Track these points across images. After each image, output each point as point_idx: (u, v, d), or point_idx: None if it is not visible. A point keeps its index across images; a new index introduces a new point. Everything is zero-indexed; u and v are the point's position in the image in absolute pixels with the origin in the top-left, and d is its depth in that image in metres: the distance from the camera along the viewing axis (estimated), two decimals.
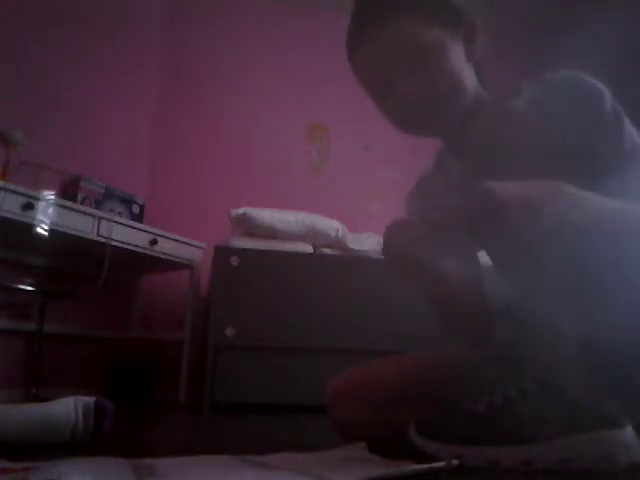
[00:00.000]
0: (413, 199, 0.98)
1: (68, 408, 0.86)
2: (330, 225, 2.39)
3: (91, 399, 0.89)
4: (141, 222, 2.37)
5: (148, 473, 0.57)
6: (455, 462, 0.61)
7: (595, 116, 0.74)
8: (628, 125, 0.75)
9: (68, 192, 2.19)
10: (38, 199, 1.86)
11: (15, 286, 1.96)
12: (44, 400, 0.90)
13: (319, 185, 3.14)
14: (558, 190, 0.66)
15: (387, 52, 0.79)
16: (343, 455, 0.71)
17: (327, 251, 2.38)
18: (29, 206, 1.82)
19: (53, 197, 1.96)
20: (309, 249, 2.35)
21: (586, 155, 0.73)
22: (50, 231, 1.89)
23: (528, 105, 0.78)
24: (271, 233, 2.30)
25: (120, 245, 2.12)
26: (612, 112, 0.74)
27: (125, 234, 2.16)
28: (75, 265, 2.34)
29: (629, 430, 0.65)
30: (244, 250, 2.19)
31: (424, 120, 0.83)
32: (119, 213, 2.29)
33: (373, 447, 0.72)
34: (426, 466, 0.60)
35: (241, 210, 2.30)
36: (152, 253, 2.27)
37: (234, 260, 2.13)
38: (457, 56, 0.81)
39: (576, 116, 0.73)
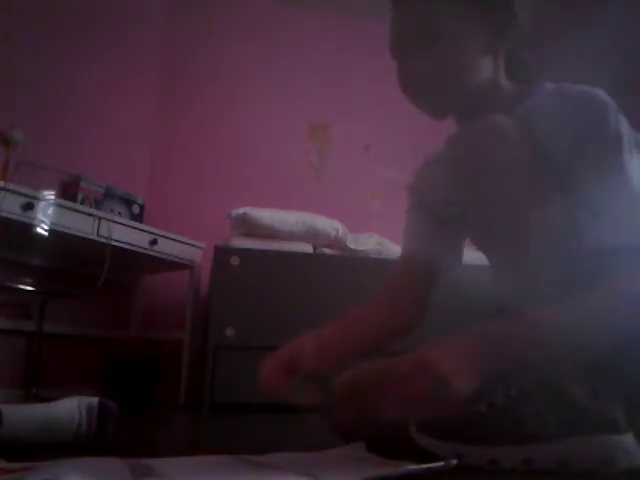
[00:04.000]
0: (419, 182, 0.99)
1: (72, 408, 0.86)
2: (330, 225, 2.39)
3: (95, 399, 0.88)
4: (141, 222, 2.37)
5: (146, 473, 0.57)
6: (454, 462, 0.61)
7: (594, 138, 0.71)
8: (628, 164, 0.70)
9: (68, 192, 2.20)
10: (38, 199, 1.86)
11: (15, 286, 1.96)
12: (46, 400, 0.90)
13: (319, 185, 3.14)
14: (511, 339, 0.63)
15: (408, 16, 0.81)
16: (342, 455, 0.71)
17: (327, 251, 2.37)
18: (29, 206, 1.82)
19: (53, 197, 1.96)
20: (309, 249, 2.35)
21: (565, 179, 0.72)
22: (50, 231, 1.89)
23: (527, 114, 0.78)
24: (271, 233, 2.30)
25: (120, 245, 2.12)
26: (614, 138, 0.70)
27: (125, 234, 2.16)
28: (75, 265, 2.34)
29: (630, 435, 0.65)
30: (244, 250, 2.18)
31: (423, 99, 0.84)
32: (119, 213, 2.29)
33: (372, 447, 0.72)
34: (425, 466, 0.60)
35: (241, 210, 2.29)
36: (152, 253, 2.27)
37: (234, 260, 2.13)
38: (472, 44, 0.80)
39: (572, 133, 0.72)
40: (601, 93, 0.73)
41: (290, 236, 2.32)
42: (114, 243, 2.09)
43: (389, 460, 0.64)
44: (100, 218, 2.08)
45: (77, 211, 2.03)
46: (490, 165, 0.76)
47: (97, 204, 2.22)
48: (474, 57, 0.81)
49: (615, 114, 0.72)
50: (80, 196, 2.17)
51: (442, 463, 0.60)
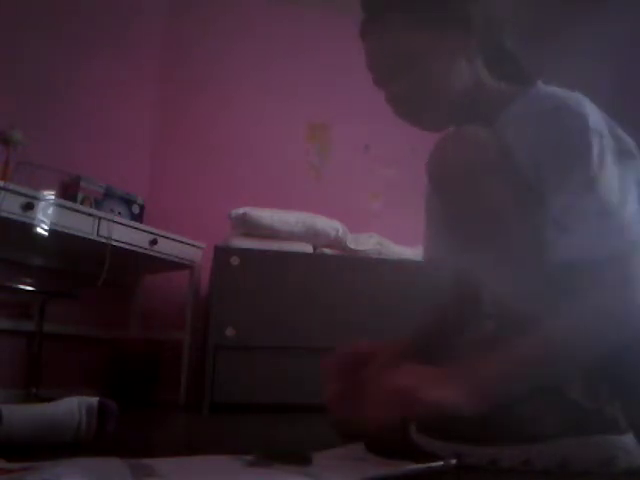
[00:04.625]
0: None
1: (72, 408, 0.86)
2: (330, 225, 2.39)
3: (95, 399, 0.88)
4: (141, 222, 2.37)
5: (146, 473, 0.57)
6: (453, 462, 0.61)
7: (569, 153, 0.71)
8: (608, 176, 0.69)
9: (68, 192, 2.19)
10: (38, 199, 1.86)
11: (15, 286, 1.96)
12: (46, 400, 0.90)
13: (319, 185, 3.13)
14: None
15: (376, 53, 0.87)
16: (341, 455, 0.71)
17: (327, 251, 2.37)
18: (29, 206, 1.82)
19: (53, 197, 1.96)
20: (309, 249, 2.35)
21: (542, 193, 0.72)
22: (50, 231, 1.89)
23: (505, 123, 0.78)
24: (271, 233, 2.30)
25: (120, 245, 2.12)
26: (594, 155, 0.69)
27: (125, 234, 2.16)
28: (75, 265, 2.33)
29: (630, 435, 0.66)
30: (244, 250, 2.18)
31: (413, 117, 0.88)
32: (119, 213, 2.29)
33: (371, 447, 0.72)
34: (424, 466, 0.60)
35: (241, 210, 2.29)
36: (152, 253, 2.26)
37: (234, 260, 2.13)
38: (440, 55, 0.82)
39: (551, 146, 0.71)
40: (579, 103, 0.73)
41: (290, 236, 2.32)
42: (114, 243, 2.08)
43: (388, 460, 0.64)
44: (100, 218, 2.08)
45: (77, 211, 2.03)
46: (462, 173, 0.76)
47: (97, 204, 2.22)
48: (447, 67, 0.82)
49: (585, 127, 0.70)
50: (80, 196, 2.17)
51: (442, 463, 0.61)
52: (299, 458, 0.62)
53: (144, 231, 2.26)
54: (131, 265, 2.48)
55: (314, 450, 0.71)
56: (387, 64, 0.85)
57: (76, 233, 1.98)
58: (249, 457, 0.65)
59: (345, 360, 0.92)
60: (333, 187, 3.09)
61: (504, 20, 0.87)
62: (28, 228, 1.84)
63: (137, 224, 2.28)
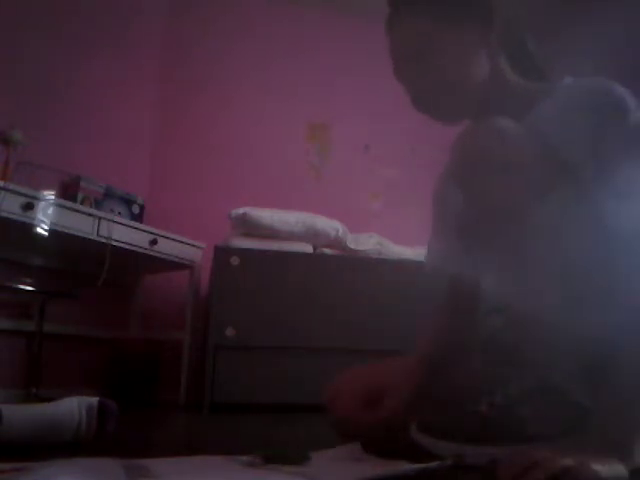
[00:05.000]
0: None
1: (72, 408, 0.86)
2: (330, 225, 2.39)
3: (95, 399, 0.89)
4: (141, 222, 2.37)
5: (141, 474, 0.57)
6: (449, 462, 0.61)
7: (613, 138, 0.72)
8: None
9: (68, 192, 2.19)
10: (38, 199, 1.86)
11: (15, 286, 1.96)
12: (46, 400, 0.90)
13: (319, 185, 3.14)
14: None
15: (398, 45, 0.88)
16: (339, 455, 0.71)
17: (327, 251, 2.38)
18: (29, 206, 1.82)
19: (53, 197, 1.96)
20: (309, 249, 2.35)
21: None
22: (50, 231, 1.89)
23: (541, 116, 0.78)
24: (271, 233, 2.30)
25: (120, 245, 2.12)
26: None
27: (125, 234, 2.16)
28: (75, 265, 2.33)
29: None
30: (244, 250, 2.19)
31: (433, 109, 0.88)
32: (119, 213, 2.29)
33: (370, 447, 0.72)
34: (422, 466, 0.60)
35: (241, 210, 2.30)
36: (152, 253, 2.26)
37: (234, 260, 2.13)
38: (459, 44, 0.83)
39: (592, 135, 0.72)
40: (616, 85, 0.74)
41: (290, 236, 2.32)
42: (114, 243, 2.08)
43: (386, 460, 0.64)
44: (100, 218, 2.08)
45: (77, 211, 2.02)
46: (487, 166, 0.76)
47: (97, 204, 2.22)
48: (467, 59, 0.83)
49: (633, 103, 0.73)
50: (80, 196, 2.17)
51: (438, 463, 0.61)
52: (297, 458, 0.62)
53: (144, 231, 2.26)
54: (131, 265, 2.48)
55: (313, 450, 0.71)
56: (408, 54, 0.86)
57: (76, 233, 1.98)
58: (245, 457, 0.65)
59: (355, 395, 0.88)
60: (333, 187, 3.09)
61: (523, 18, 0.88)
62: (28, 228, 1.84)
63: (137, 224, 2.28)
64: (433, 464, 0.60)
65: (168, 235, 2.34)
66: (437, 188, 0.98)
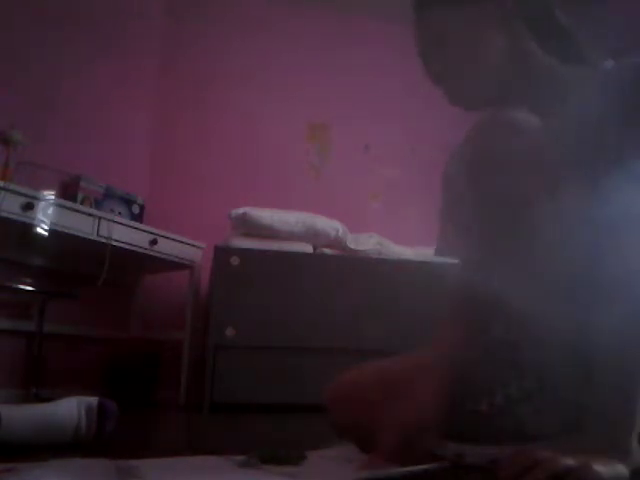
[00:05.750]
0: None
1: (71, 408, 0.86)
2: (330, 225, 2.39)
3: (94, 399, 0.89)
4: (141, 222, 2.37)
5: (132, 475, 0.57)
6: (447, 463, 0.61)
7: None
8: None
9: (68, 192, 2.19)
10: (38, 199, 1.86)
11: (15, 286, 1.96)
12: (46, 400, 0.90)
13: (319, 185, 3.13)
14: None
15: (420, 37, 0.87)
16: (337, 456, 0.71)
17: (327, 251, 2.37)
18: (29, 206, 1.82)
19: (53, 197, 1.96)
20: (309, 249, 2.34)
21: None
22: (50, 231, 1.89)
23: (580, 107, 0.73)
24: (271, 233, 2.29)
25: (120, 245, 2.12)
26: None
27: (125, 234, 2.16)
28: (75, 265, 2.33)
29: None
30: (244, 250, 2.18)
31: (452, 93, 0.86)
32: (119, 213, 2.29)
33: (369, 447, 0.72)
34: (420, 466, 0.59)
35: (241, 210, 2.29)
36: (152, 253, 2.26)
37: (234, 260, 2.13)
38: (475, 30, 0.81)
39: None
40: None
41: (290, 236, 2.32)
42: (114, 243, 2.08)
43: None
44: (100, 218, 2.08)
45: (77, 211, 2.03)
46: (498, 162, 0.75)
47: (97, 204, 2.22)
48: (480, 36, 0.81)
49: None
50: (80, 196, 2.17)
51: (436, 464, 0.60)
52: (292, 458, 0.62)
53: (144, 231, 2.26)
54: (131, 265, 2.48)
55: (311, 450, 0.71)
56: (429, 39, 0.85)
57: (76, 233, 1.98)
58: (240, 458, 0.65)
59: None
60: (333, 187, 3.09)
61: None
62: (28, 228, 1.84)
63: (137, 224, 2.28)
64: (432, 465, 0.60)
65: (168, 235, 2.34)
66: (446, 170, 0.93)
